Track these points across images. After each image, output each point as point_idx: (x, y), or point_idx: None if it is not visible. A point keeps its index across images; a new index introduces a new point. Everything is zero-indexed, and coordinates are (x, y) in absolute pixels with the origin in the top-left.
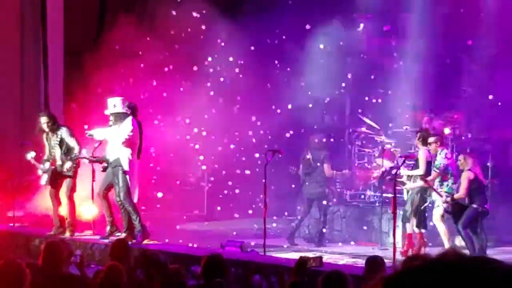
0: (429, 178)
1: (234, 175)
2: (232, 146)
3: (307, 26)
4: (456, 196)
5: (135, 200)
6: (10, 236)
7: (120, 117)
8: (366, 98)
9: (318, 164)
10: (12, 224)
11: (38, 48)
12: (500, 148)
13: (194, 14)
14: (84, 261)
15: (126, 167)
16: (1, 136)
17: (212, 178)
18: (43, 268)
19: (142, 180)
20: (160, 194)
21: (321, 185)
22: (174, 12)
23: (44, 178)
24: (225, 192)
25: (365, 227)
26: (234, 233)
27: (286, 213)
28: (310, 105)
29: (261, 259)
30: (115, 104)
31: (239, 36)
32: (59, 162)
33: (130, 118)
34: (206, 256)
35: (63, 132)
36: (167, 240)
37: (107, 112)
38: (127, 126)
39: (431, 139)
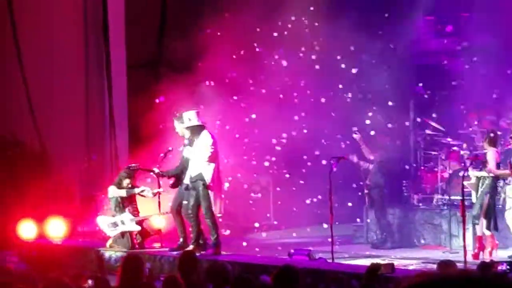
0: None
1: (299, 183)
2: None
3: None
4: None
5: (220, 213)
6: (81, 251)
7: (196, 130)
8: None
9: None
10: (82, 239)
11: (101, 63)
12: None
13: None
14: (154, 273)
15: (209, 181)
16: (68, 151)
17: (278, 189)
18: (123, 281)
19: None
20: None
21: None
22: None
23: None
24: (290, 199)
25: (434, 231)
26: (295, 237)
27: (358, 219)
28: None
29: (329, 267)
30: (190, 118)
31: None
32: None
33: (206, 131)
34: (279, 266)
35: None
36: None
37: (183, 126)
38: (207, 141)
39: None
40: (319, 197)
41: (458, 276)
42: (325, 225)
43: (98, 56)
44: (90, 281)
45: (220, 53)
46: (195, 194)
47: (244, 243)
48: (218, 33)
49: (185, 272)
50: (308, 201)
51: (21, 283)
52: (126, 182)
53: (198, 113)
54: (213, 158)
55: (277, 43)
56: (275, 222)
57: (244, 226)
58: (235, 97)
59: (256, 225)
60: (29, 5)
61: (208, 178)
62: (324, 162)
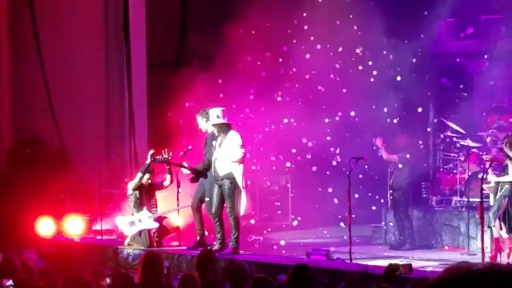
0: None
1: (317, 184)
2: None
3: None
4: None
5: (247, 212)
6: (100, 248)
7: (223, 128)
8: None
9: (401, 166)
10: (100, 237)
11: (122, 61)
12: None
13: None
14: (171, 272)
15: (238, 181)
16: (88, 149)
17: (289, 185)
18: (142, 279)
19: None
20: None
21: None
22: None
23: None
24: (308, 200)
25: (452, 233)
26: (315, 239)
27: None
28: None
29: (347, 267)
30: (217, 115)
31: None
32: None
33: (234, 131)
34: (293, 265)
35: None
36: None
37: (210, 123)
38: (237, 141)
39: None
40: (335, 200)
41: (485, 270)
42: (342, 224)
43: (118, 54)
44: (108, 279)
45: (243, 50)
46: (219, 193)
47: (275, 247)
48: (240, 30)
49: (203, 271)
50: (327, 198)
51: (39, 280)
52: (145, 178)
53: (224, 111)
54: (243, 158)
55: (304, 40)
56: (299, 218)
57: (265, 226)
58: (265, 94)
59: (288, 223)
60: (50, 4)
61: (238, 178)
62: (334, 162)
